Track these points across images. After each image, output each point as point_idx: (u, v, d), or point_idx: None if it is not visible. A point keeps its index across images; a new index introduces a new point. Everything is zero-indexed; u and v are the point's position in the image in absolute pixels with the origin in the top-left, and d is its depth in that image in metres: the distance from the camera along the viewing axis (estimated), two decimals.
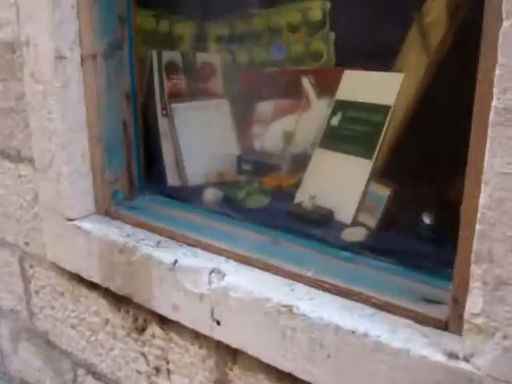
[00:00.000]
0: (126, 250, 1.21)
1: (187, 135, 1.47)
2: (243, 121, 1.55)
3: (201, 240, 1.18)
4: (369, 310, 0.93)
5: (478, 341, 0.77)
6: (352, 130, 1.29)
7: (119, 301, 1.31)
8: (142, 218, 1.30)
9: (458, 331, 0.83)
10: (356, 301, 0.95)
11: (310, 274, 1.01)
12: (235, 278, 1.05)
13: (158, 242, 1.21)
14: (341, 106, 1.34)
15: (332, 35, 1.49)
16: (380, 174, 1.21)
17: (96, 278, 1.31)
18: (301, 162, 1.41)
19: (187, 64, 1.53)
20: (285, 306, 0.96)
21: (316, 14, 1.49)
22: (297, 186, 1.37)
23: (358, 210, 1.21)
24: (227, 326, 1.06)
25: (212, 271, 1.09)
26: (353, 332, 0.88)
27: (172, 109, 1.46)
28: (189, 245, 1.18)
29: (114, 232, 1.27)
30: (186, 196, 1.41)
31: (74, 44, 1.24)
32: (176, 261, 1.13)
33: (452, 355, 0.80)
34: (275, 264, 1.06)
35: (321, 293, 0.99)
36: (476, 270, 0.76)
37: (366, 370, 0.88)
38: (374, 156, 1.21)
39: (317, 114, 1.43)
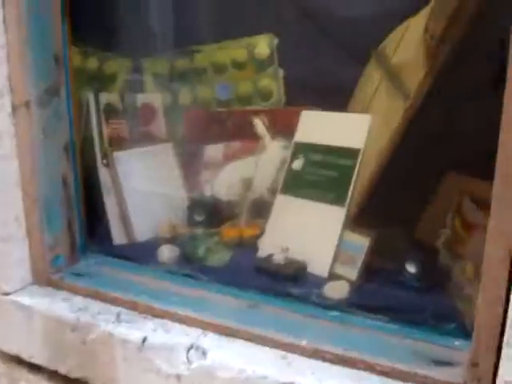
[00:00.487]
0: (80, 328, 1.04)
1: (132, 186, 1.32)
2: (191, 166, 1.43)
3: (168, 310, 1.03)
4: (377, 380, 0.86)
5: None
6: (318, 174, 1.22)
7: None
8: (93, 287, 1.13)
9: None
10: (361, 369, 0.87)
11: (304, 343, 0.92)
12: (220, 355, 0.92)
13: (118, 316, 1.05)
14: (302, 148, 1.27)
15: (281, 72, 1.42)
16: (355, 222, 1.15)
17: (40, 359, 1.12)
18: (260, 210, 1.32)
19: (127, 106, 1.39)
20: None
21: (263, 50, 1.42)
22: (258, 236, 1.28)
23: (334, 261, 1.14)
24: None
25: (190, 348, 0.95)
26: None
27: (114, 158, 1.31)
28: (155, 316, 1.04)
29: (62, 306, 1.09)
30: (138, 255, 1.25)
31: (4, 90, 1.06)
32: (145, 338, 0.98)
33: None
34: (261, 333, 0.95)
35: (321, 364, 0.89)
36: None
37: None
38: (347, 203, 1.15)
39: (272, 157, 1.35)
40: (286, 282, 1.12)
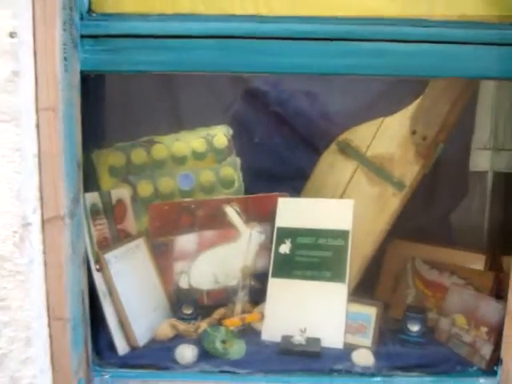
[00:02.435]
0: None
1: (124, 288, 1.24)
2: (164, 259, 1.40)
3: None
4: None
5: None
6: (311, 256, 1.34)
7: None
8: None
9: None
10: None
11: None
12: None
13: None
14: (286, 233, 1.38)
15: (238, 161, 1.51)
16: (356, 295, 1.31)
17: None
18: (253, 294, 1.38)
19: (105, 205, 1.30)
20: None
21: (221, 140, 1.49)
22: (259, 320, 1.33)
23: (346, 332, 1.27)
24: None
25: None
26: None
27: (105, 260, 1.22)
28: None
29: None
30: (150, 360, 1.18)
31: (36, 204, 0.94)
32: None
33: None
34: None
35: None
36: None
37: None
38: (347, 278, 1.30)
39: (249, 243, 1.42)
40: (309, 360, 1.22)
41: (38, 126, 0.94)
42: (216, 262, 1.44)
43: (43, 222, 0.96)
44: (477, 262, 1.40)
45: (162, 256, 1.42)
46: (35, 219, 0.94)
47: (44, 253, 0.97)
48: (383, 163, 1.34)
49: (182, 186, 1.48)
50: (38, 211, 0.95)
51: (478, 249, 1.42)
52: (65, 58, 0.96)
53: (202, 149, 1.50)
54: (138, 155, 1.45)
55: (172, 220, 1.44)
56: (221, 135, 1.51)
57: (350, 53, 1.03)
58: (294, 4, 1.03)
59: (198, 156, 1.50)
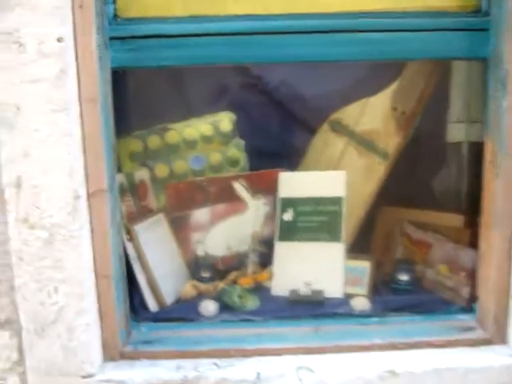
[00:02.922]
0: (190, 383, 1.15)
1: (150, 256, 1.43)
2: (182, 231, 1.60)
3: (255, 348, 1.23)
4: (440, 351, 1.22)
5: None
6: (311, 221, 1.54)
7: None
8: (169, 349, 1.24)
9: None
10: (423, 347, 1.23)
11: (379, 341, 1.23)
12: (324, 368, 1.17)
13: (216, 364, 1.20)
14: (288, 203, 1.58)
15: (242, 143, 1.70)
16: (352, 252, 1.51)
17: None
18: (261, 257, 1.57)
19: (130, 185, 1.49)
20: (387, 371, 1.16)
21: (226, 125, 1.68)
22: (268, 279, 1.53)
23: (345, 284, 1.47)
24: None
25: (298, 369, 1.17)
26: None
27: (135, 231, 1.41)
28: (246, 356, 1.22)
29: (158, 371, 1.17)
30: (179, 315, 1.38)
31: (83, 179, 1.13)
32: (258, 374, 1.16)
33: None
34: (340, 344, 1.23)
35: (401, 352, 1.22)
36: None
37: None
38: (342, 239, 1.50)
39: (256, 213, 1.61)
40: (317, 307, 1.42)
41: (81, 115, 1.13)
42: (228, 231, 1.64)
43: (88, 195, 1.16)
44: (456, 221, 1.60)
45: (180, 228, 1.61)
46: (83, 192, 1.13)
47: (90, 221, 1.17)
48: (370, 137, 1.54)
49: (193, 167, 1.67)
50: (84, 185, 1.14)
51: (457, 210, 1.63)
52: (100, 58, 1.15)
53: (209, 133, 1.69)
54: (154, 141, 1.64)
55: (187, 196, 1.63)
56: (226, 120, 1.70)
57: (340, 42, 1.22)
58: (288, 3, 1.22)
59: (206, 140, 1.68)
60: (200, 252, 1.61)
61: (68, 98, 1.08)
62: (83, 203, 1.13)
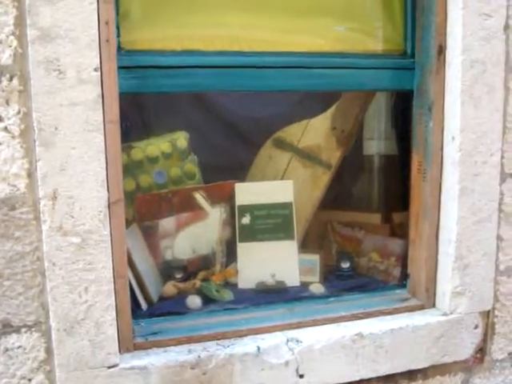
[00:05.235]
0: (200, 363, 1.34)
1: (136, 260, 1.58)
2: (152, 238, 1.75)
3: (249, 328, 1.46)
4: (379, 318, 1.56)
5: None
6: (266, 223, 1.80)
7: None
8: (176, 336, 1.41)
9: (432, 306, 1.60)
10: (378, 316, 1.56)
11: (344, 313, 1.53)
12: (309, 337, 1.44)
13: (219, 344, 1.40)
14: (245, 209, 1.82)
15: (195, 158, 1.91)
16: (303, 247, 1.80)
17: None
18: (226, 257, 1.79)
19: None
20: (356, 335, 1.46)
21: (182, 142, 1.88)
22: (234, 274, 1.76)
23: (300, 274, 1.75)
24: (310, 374, 1.43)
25: (287, 341, 1.43)
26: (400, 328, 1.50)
27: None
28: (244, 336, 1.44)
29: (172, 355, 1.34)
30: (169, 310, 1.55)
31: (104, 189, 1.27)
32: (258, 347, 1.39)
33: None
34: (315, 318, 1.51)
35: (362, 321, 1.53)
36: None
37: None
38: (295, 237, 1.78)
39: (215, 219, 1.83)
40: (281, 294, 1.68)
41: (105, 135, 1.28)
42: (192, 236, 1.84)
43: (110, 204, 1.30)
44: (375, 219, 1.99)
45: (149, 236, 1.78)
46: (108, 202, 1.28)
47: (111, 227, 1.31)
48: (313, 151, 1.86)
49: (157, 181, 1.85)
50: (107, 196, 1.29)
51: (375, 210, 2.02)
52: None
53: (169, 150, 1.88)
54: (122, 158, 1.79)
55: (154, 207, 1.80)
56: (182, 138, 1.91)
57: (303, 76, 1.53)
58: (265, 43, 1.49)
59: (166, 156, 1.87)
60: (168, 256, 1.79)
61: (100, 119, 1.23)
62: (108, 211, 1.28)
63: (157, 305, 1.61)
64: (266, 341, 1.44)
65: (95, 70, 1.21)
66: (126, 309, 1.37)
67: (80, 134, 1.22)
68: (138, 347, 1.39)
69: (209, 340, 1.44)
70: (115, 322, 1.31)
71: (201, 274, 1.78)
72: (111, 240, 1.32)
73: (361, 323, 1.54)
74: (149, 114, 1.93)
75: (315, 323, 1.53)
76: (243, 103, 1.99)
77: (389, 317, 1.58)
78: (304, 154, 1.87)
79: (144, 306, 1.58)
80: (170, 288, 1.66)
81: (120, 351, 1.36)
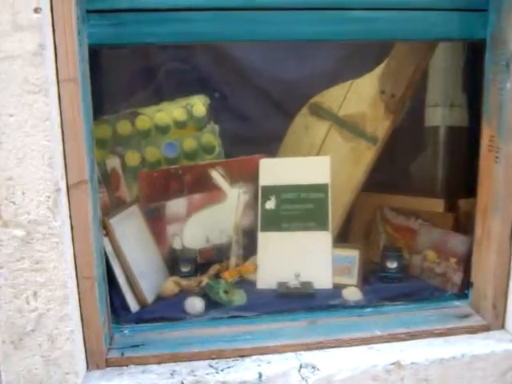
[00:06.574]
0: None
1: (127, 251, 1.31)
2: (157, 223, 1.48)
3: (252, 347, 1.15)
4: (441, 340, 1.19)
5: None
6: (295, 209, 1.47)
7: None
8: (158, 352, 1.13)
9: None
10: (424, 337, 1.20)
11: (379, 332, 1.19)
12: (328, 364, 1.11)
13: (212, 366, 1.11)
14: (270, 191, 1.50)
15: (216, 128, 1.60)
16: (339, 240, 1.46)
17: None
18: (242, 250, 1.49)
19: (102, 174, 1.35)
20: (392, 364, 1.12)
21: (200, 109, 1.58)
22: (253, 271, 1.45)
23: (334, 274, 1.41)
24: None
25: (300, 367, 1.11)
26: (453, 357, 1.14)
27: (111, 225, 1.28)
28: (244, 356, 1.14)
29: (151, 378, 1.07)
30: (163, 314, 1.27)
31: (63, 171, 1.00)
32: (260, 374, 1.08)
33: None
34: (340, 338, 1.18)
35: (402, 343, 1.18)
36: None
37: None
38: (330, 227, 1.44)
39: (234, 202, 1.53)
40: (306, 300, 1.35)
41: (59, 97, 1.00)
42: (205, 222, 1.54)
43: (68, 187, 1.03)
44: (437, 206, 1.59)
45: (154, 221, 1.50)
46: (63, 185, 1.01)
47: (70, 216, 1.04)
48: (355, 121, 1.49)
49: (166, 154, 1.56)
50: (64, 177, 1.02)
51: (437, 195, 1.62)
52: (78, 33, 1.02)
53: (182, 118, 1.58)
54: (124, 127, 1.51)
55: (161, 186, 1.52)
56: (199, 104, 1.60)
57: (328, 20, 1.15)
58: None
59: (179, 125, 1.57)
60: (177, 245, 1.51)
61: (47, 77, 0.94)
62: (63, 197, 1.01)
63: (151, 306, 1.34)
64: (273, 365, 1.12)
65: (35, 11, 0.92)
66: (94, 317, 1.09)
67: (17, 96, 0.94)
68: (110, 363, 1.12)
69: (200, 359, 1.14)
70: (76, 335, 1.05)
71: (214, 269, 1.48)
72: (72, 233, 1.05)
73: (401, 347, 1.18)
74: (159, 73, 1.63)
75: (340, 344, 1.19)
76: (274, 61, 1.64)
77: (440, 340, 1.20)
78: (345, 124, 1.50)
79: (134, 307, 1.31)
80: (169, 285, 1.38)
81: (88, 367, 1.11)
